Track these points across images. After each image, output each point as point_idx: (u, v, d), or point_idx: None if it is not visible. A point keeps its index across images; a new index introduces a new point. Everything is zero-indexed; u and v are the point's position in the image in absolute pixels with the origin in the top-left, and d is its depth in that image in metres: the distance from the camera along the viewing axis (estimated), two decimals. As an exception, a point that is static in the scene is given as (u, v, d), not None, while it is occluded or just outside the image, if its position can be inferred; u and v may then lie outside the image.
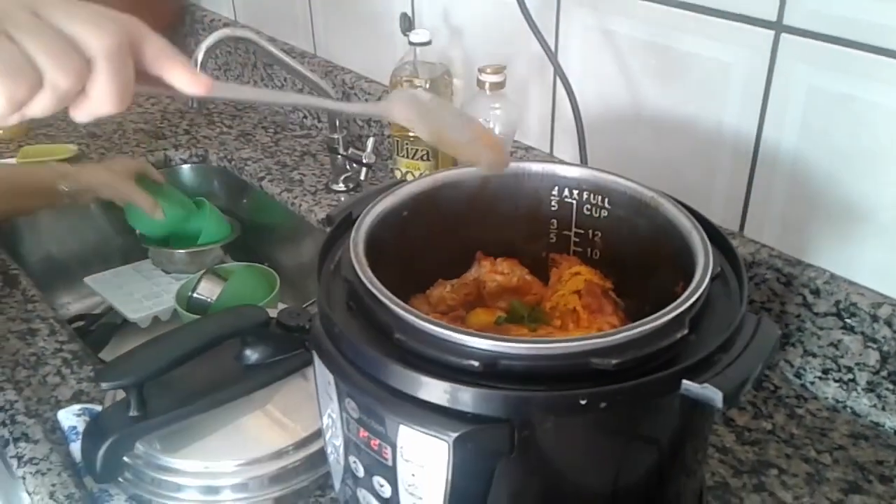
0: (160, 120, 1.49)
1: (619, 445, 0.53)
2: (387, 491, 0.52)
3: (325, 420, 0.58)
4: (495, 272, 0.69)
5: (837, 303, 0.76)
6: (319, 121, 1.41)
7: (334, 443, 0.57)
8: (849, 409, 0.78)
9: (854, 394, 0.77)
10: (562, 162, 0.98)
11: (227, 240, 1.28)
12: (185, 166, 1.39)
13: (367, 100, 1.27)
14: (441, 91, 1.06)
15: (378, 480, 0.53)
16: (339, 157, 1.20)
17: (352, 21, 1.29)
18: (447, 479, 0.49)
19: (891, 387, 0.75)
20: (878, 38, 0.68)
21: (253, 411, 0.74)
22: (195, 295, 1.13)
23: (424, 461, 0.49)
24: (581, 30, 0.93)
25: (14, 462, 0.74)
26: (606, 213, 0.66)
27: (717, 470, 0.72)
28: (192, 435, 0.71)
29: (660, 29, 0.85)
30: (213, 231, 1.26)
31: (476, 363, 0.47)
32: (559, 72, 0.89)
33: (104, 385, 0.70)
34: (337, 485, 0.60)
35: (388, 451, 0.50)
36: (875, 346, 0.74)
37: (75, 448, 0.73)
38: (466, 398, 0.47)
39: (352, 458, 0.54)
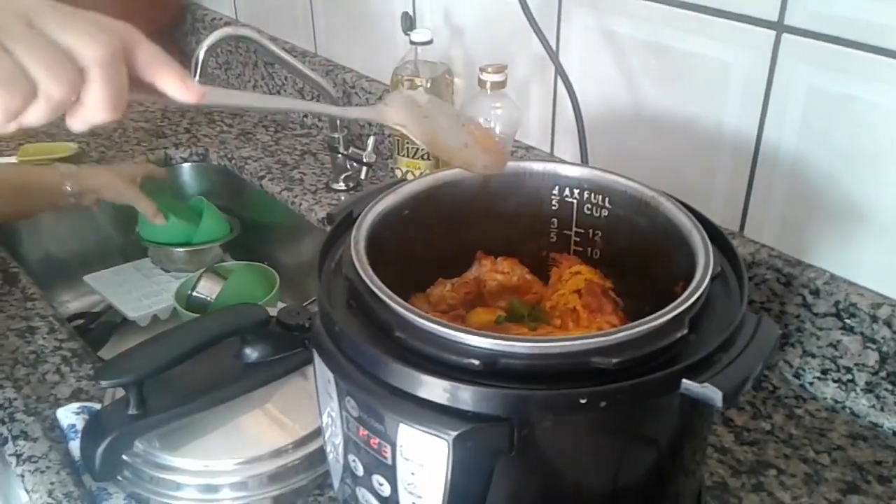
0: (160, 118, 1.49)
1: (619, 445, 0.53)
2: (386, 490, 0.52)
3: (325, 419, 0.58)
4: (496, 271, 0.69)
5: (837, 303, 0.76)
6: (320, 120, 1.41)
7: (334, 441, 0.57)
8: (847, 410, 0.78)
9: (853, 394, 0.78)
10: (562, 161, 0.98)
11: (226, 238, 1.28)
12: (186, 165, 1.39)
13: (367, 99, 1.27)
14: (442, 90, 1.06)
15: (377, 479, 0.53)
16: (340, 156, 1.20)
17: (353, 20, 1.29)
18: (447, 478, 0.49)
19: (889, 387, 0.75)
20: (878, 38, 0.68)
21: (252, 410, 0.74)
22: (195, 293, 1.13)
23: (424, 460, 0.49)
24: (582, 29, 0.93)
25: (13, 460, 0.73)
26: (607, 213, 0.66)
27: (715, 470, 0.72)
28: (192, 433, 0.71)
29: (661, 29, 0.85)
30: (213, 230, 1.26)
31: (476, 362, 0.47)
32: (560, 71, 0.89)
33: (103, 383, 0.70)
34: (336, 483, 0.60)
35: (388, 449, 0.50)
36: (874, 346, 0.74)
37: (74, 446, 0.73)
38: (466, 397, 0.47)
39: (351, 457, 0.54)
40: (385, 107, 0.59)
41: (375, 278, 0.52)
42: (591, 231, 0.68)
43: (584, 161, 0.90)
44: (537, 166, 0.68)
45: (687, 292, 0.51)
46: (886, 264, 0.74)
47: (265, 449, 0.70)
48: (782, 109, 0.77)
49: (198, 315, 1.05)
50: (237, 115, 1.49)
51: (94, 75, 0.44)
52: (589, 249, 0.68)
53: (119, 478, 0.70)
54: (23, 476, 0.72)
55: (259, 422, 0.73)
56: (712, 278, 0.53)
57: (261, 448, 0.70)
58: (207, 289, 1.13)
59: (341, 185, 1.21)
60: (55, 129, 1.43)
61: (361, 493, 0.55)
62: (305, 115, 1.45)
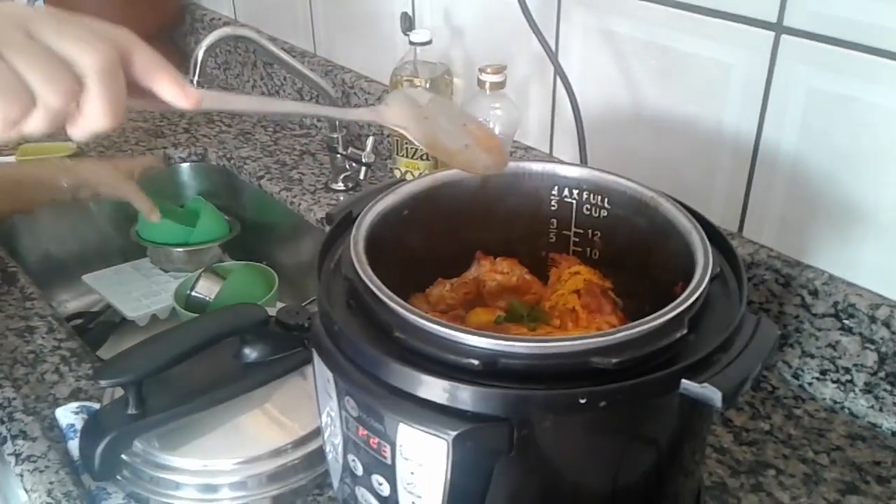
0: (159, 118, 1.49)
1: (618, 445, 0.53)
2: (386, 489, 0.52)
3: (325, 418, 0.58)
4: (495, 271, 0.69)
5: (836, 304, 0.76)
6: (319, 120, 1.41)
7: (333, 441, 0.57)
8: (846, 410, 0.78)
9: (852, 395, 0.78)
10: (562, 162, 0.98)
11: (225, 238, 1.28)
12: (185, 165, 1.39)
13: (366, 99, 1.27)
14: (441, 91, 1.06)
15: (377, 479, 0.53)
16: (339, 156, 1.20)
17: (352, 20, 1.29)
18: (446, 478, 0.49)
19: (888, 388, 0.75)
20: (877, 39, 0.69)
21: (251, 410, 0.74)
22: (194, 293, 1.13)
23: (423, 460, 0.49)
24: (582, 30, 0.94)
25: (12, 459, 0.73)
26: (606, 213, 0.66)
27: (714, 470, 0.72)
28: (191, 433, 0.71)
29: (660, 29, 0.85)
30: (212, 230, 1.26)
31: (476, 362, 0.47)
32: (559, 71, 0.89)
33: (103, 383, 0.70)
34: (335, 483, 0.60)
35: (388, 449, 0.50)
36: (873, 347, 0.75)
37: (73, 446, 0.73)
38: (466, 397, 0.47)
39: (351, 457, 0.54)
40: (385, 108, 0.59)
41: (375, 278, 0.52)
42: (590, 231, 0.68)
43: (584, 161, 0.90)
44: (536, 166, 0.68)
45: (686, 292, 0.51)
46: (885, 265, 0.74)
47: (264, 448, 0.70)
48: (782, 110, 0.77)
49: (197, 315, 1.05)
50: (236, 115, 1.49)
51: (91, 83, 0.44)
52: (588, 250, 0.68)
53: (118, 477, 0.70)
54: (22, 475, 0.72)
55: (258, 421, 0.73)
56: (711, 279, 0.53)
57: (260, 448, 0.70)
58: (206, 289, 1.13)
59: (340, 186, 1.21)
60: (54, 129, 1.43)
61: (361, 492, 0.55)
62: (304, 115, 1.45)
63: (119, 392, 0.71)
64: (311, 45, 1.41)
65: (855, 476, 0.71)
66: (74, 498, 0.69)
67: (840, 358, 0.78)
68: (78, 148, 1.36)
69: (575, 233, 0.68)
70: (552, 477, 0.52)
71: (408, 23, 1.07)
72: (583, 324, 0.61)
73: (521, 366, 0.48)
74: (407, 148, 1.09)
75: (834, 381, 0.79)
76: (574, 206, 0.67)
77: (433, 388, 0.47)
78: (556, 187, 0.67)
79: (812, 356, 0.80)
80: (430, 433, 0.48)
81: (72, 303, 1.30)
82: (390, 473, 0.51)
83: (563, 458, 0.52)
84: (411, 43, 1.04)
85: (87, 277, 1.25)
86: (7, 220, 1.22)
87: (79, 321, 1.22)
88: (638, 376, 0.47)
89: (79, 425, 0.74)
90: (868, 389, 0.76)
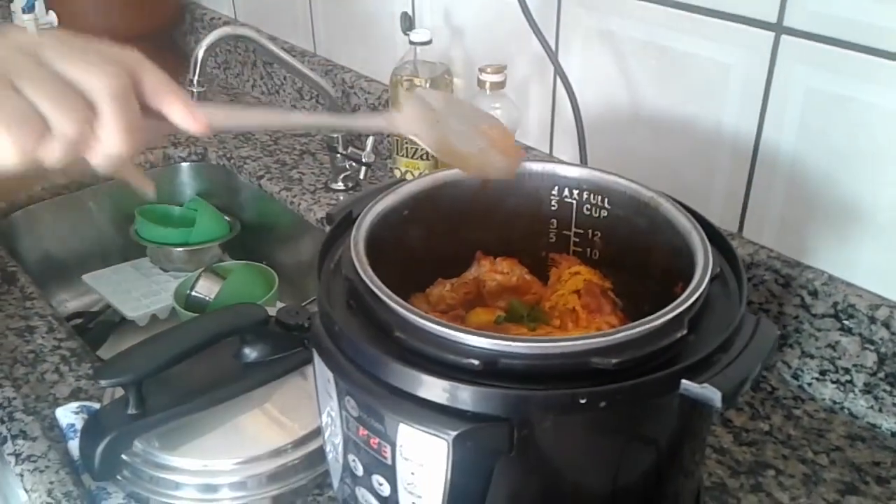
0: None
1: (618, 445, 0.53)
2: (386, 489, 0.52)
3: (325, 418, 0.58)
4: (495, 271, 0.69)
5: (835, 304, 0.76)
6: (319, 120, 1.41)
7: (333, 441, 0.57)
8: (846, 411, 0.78)
9: (851, 395, 0.78)
10: (562, 162, 0.97)
11: (225, 238, 1.28)
12: (184, 164, 1.39)
13: (366, 99, 1.27)
14: (441, 91, 1.06)
15: (377, 479, 0.53)
16: (339, 155, 1.20)
17: (352, 20, 1.29)
18: (446, 478, 0.49)
19: (888, 388, 0.75)
20: (877, 40, 0.69)
21: (251, 409, 0.74)
22: (193, 293, 1.13)
23: (424, 460, 0.49)
24: (582, 30, 0.94)
25: (12, 459, 0.73)
26: (606, 213, 0.66)
27: (714, 470, 0.72)
28: (191, 433, 0.71)
29: (660, 29, 0.85)
30: (211, 229, 1.26)
31: (476, 362, 0.47)
32: (559, 71, 0.89)
33: (103, 382, 0.70)
34: (336, 483, 0.60)
35: (388, 449, 0.50)
36: (872, 347, 0.75)
37: (73, 446, 0.73)
38: (466, 397, 0.47)
39: (351, 457, 0.54)
40: (397, 115, 0.58)
41: (375, 278, 0.52)
42: (590, 231, 0.68)
43: (584, 161, 0.90)
44: (536, 167, 0.68)
45: (686, 293, 0.51)
46: (884, 265, 0.74)
47: (264, 448, 0.70)
48: (781, 110, 0.77)
49: (196, 315, 1.05)
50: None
51: (104, 107, 0.44)
52: (588, 250, 0.68)
53: (118, 477, 0.70)
54: (22, 475, 0.72)
55: (258, 421, 0.73)
56: (711, 279, 0.53)
57: (260, 448, 0.70)
58: (206, 288, 1.13)
59: (340, 185, 1.21)
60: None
61: (361, 492, 0.55)
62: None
63: (119, 392, 0.71)
64: (311, 44, 1.41)
65: (854, 476, 0.71)
66: (74, 498, 0.69)
67: (840, 358, 0.78)
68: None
69: (575, 233, 0.68)
70: (552, 477, 0.52)
71: (408, 22, 1.07)
72: (583, 324, 0.61)
73: (522, 366, 0.48)
74: (407, 148, 1.09)
75: (833, 382, 0.79)
76: (574, 206, 0.67)
77: (433, 388, 0.47)
78: (556, 187, 0.67)
79: (812, 356, 0.80)
80: (430, 433, 0.48)
81: (72, 302, 1.30)
82: (390, 473, 0.51)
83: (563, 458, 0.52)
84: (411, 43, 1.04)
85: (86, 277, 1.25)
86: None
87: (78, 321, 1.22)
88: (638, 377, 0.47)
89: (79, 425, 0.74)
90: (867, 390, 0.76)
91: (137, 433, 0.69)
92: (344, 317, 0.53)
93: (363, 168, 1.18)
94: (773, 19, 0.75)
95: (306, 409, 0.71)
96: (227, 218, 1.31)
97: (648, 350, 0.48)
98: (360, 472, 0.54)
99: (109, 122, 0.44)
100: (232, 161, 1.34)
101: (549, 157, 1.05)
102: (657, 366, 0.48)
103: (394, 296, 0.51)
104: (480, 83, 0.95)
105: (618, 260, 0.66)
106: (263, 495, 0.69)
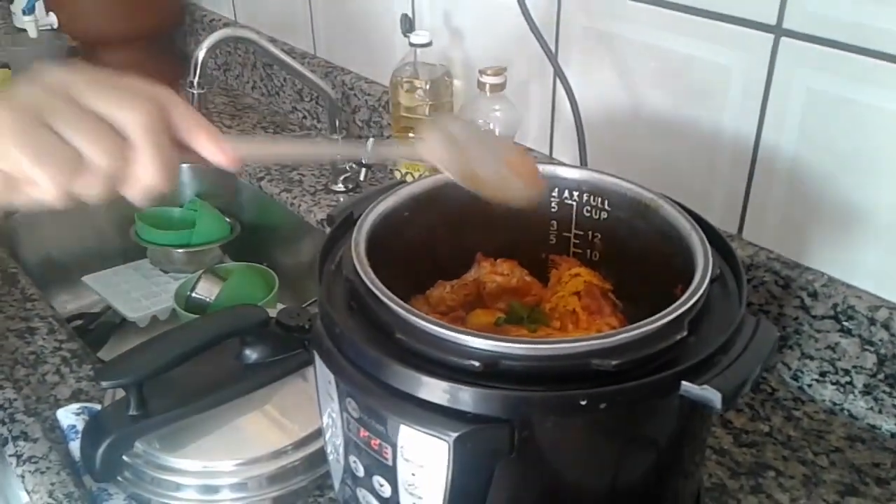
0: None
1: (618, 446, 0.53)
2: (387, 491, 0.53)
3: (326, 420, 0.58)
4: (495, 273, 0.69)
5: (835, 306, 0.76)
6: (319, 121, 1.41)
7: (334, 442, 0.57)
8: (846, 412, 0.78)
9: (851, 396, 0.78)
10: (562, 163, 0.98)
11: (225, 239, 1.28)
12: (185, 165, 1.39)
13: (366, 101, 1.27)
14: (441, 93, 1.06)
15: (378, 480, 0.53)
16: (339, 157, 1.20)
17: (352, 22, 1.29)
18: (447, 479, 0.49)
19: (887, 390, 0.75)
20: (876, 41, 0.69)
21: (252, 411, 0.74)
22: (194, 294, 1.13)
23: (424, 461, 0.49)
24: (581, 32, 0.94)
25: (13, 461, 0.74)
26: (606, 215, 0.66)
27: (714, 471, 0.72)
28: (192, 434, 0.71)
29: (660, 32, 0.85)
30: (211, 231, 1.26)
31: (476, 363, 0.47)
32: (559, 73, 0.89)
33: (104, 384, 0.70)
34: (336, 484, 0.60)
35: (389, 450, 0.50)
36: (872, 349, 0.75)
37: (74, 447, 0.73)
38: (467, 398, 0.47)
39: (352, 458, 0.55)
40: (421, 144, 0.58)
41: (376, 280, 0.52)
42: (590, 233, 0.68)
43: (584, 163, 0.90)
44: (537, 168, 0.68)
45: (686, 295, 0.51)
46: (884, 267, 0.74)
47: (265, 450, 0.70)
48: (781, 112, 0.78)
49: (197, 316, 1.05)
50: (236, 116, 1.50)
51: (138, 141, 0.44)
52: (588, 251, 0.69)
53: (119, 478, 0.70)
54: (23, 477, 0.72)
55: (259, 423, 0.73)
56: (711, 281, 0.53)
57: (261, 449, 0.70)
58: (206, 290, 1.13)
59: (340, 187, 1.22)
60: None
61: (362, 493, 0.55)
62: (304, 117, 1.45)
63: (120, 393, 0.71)
64: (311, 46, 1.41)
65: (854, 478, 0.72)
66: (76, 499, 0.69)
67: (839, 360, 0.78)
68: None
69: (575, 234, 0.69)
70: (553, 478, 0.52)
71: (408, 24, 1.07)
72: (583, 325, 0.61)
73: (522, 367, 0.48)
74: (407, 149, 1.09)
75: (833, 383, 0.79)
76: (574, 207, 0.67)
77: (434, 390, 0.48)
78: (556, 189, 0.67)
79: (811, 358, 0.80)
80: (431, 434, 0.48)
81: (72, 304, 1.30)
82: (391, 475, 0.51)
83: (564, 459, 0.52)
84: (411, 44, 1.04)
85: (87, 278, 1.25)
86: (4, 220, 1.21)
87: (79, 322, 1.22)
88: (638, 378, 0.47)
89: (80, 426, 0.74)
90: (867, 391, 0.76)
91: (138, 434, 0.69)
92: (345, 318, 0.53)
93: (363, 169, 1.18)
94: (772, 21, 0.75)
95: (307, 410, 0.71)
96: (227, 219, 1.31)
97: (648, 351, 0.48)
98: (360, 473, 0.54)
99: (144, 155, 0.45)
100: (232, 162, 1.34)
101: (549, 159, 1.05)
102: (657, 367, 0.48)
103: (394, 297, 0.51)
104: (480, 85, 0.95)
105: (618, 261, 0.66)
106: (264, 496, 0.69)
